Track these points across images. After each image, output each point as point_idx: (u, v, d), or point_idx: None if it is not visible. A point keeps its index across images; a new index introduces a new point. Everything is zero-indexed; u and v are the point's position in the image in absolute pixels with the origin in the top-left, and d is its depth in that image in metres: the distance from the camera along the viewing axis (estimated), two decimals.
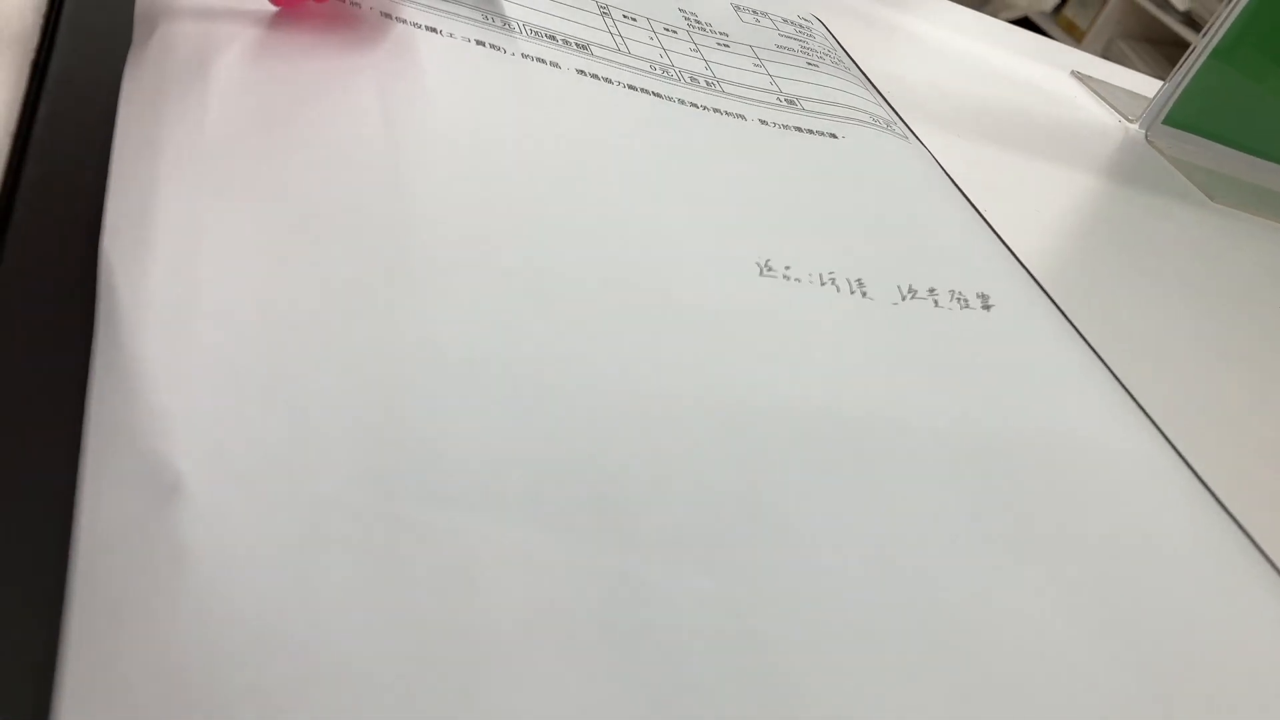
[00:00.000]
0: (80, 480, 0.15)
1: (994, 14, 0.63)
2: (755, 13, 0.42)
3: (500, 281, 0.22)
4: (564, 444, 0.19)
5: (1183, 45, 1.82)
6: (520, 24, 0.32)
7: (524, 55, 0.31)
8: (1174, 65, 0.52)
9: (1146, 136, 0.52)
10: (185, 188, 0.20)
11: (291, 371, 0.18)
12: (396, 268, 0.21)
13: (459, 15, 0.31)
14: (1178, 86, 0.52)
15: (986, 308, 0.29)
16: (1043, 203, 0.41)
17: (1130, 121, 0.53)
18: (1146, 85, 0.62)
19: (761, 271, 0.26)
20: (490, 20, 0.31)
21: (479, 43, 0.30)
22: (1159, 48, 1.97)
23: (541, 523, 0.17)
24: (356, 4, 0.29)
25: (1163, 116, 0.52)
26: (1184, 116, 0.52)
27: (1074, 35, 2.07)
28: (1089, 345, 0.30)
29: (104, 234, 0.18)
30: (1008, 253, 0.33)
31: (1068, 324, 0.31)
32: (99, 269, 0.18)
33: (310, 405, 0.17)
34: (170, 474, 0.15)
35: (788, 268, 0.27)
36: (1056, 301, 0.32)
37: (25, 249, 0.18)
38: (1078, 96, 0.55)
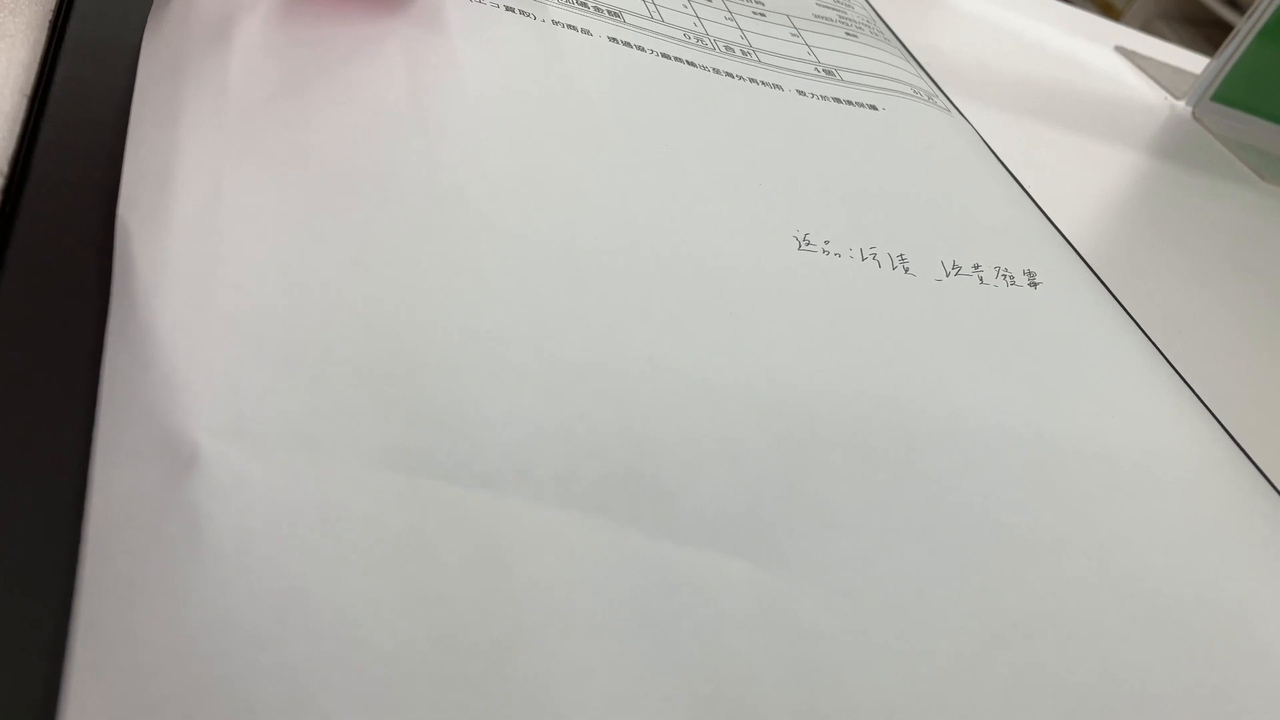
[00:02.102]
0: (93, 453, 0.14)
1: None
2: None
3: (529, 253, 0.21)
4: (597, 421, 0.18)
5: (1223, 25, 1.78)
6: None
7: (554, 22, 0.30)
8: (1214, 45, 0.51)
9: (1193, 113, 0.51)
10: (205, 153, 0.19)
11: (314, 342, 0.17)
12: (423, 238, 0.20)
13: None
14: (1226, 63, 0.50)
15: (1033, 285, 0.28)
16: (1087, 180, 0.39)
17: (1176, 98, 0.52)
18: (1192, 62, 0.60)
19: (800, 245, 0.25)
20: None
21: (509, 8, 0.29)
22: (1199, 28, 1.93)
23: (574, 503, 0.17)
24: None
25: (1211, 93, 0.50)
26: (1232, 93, 0.51)
27: (1111, 15, 2.03)
28: (1138, 326, 0.29)
29: (121, 200, 0.18)
30: (1054, 230, 0.32)
31: (1116, 304, 0.30)
32: (115, 235, 0.17)
33: (334, 377, 0.17)
34: (186, 447, 0.14)
35: (827, 242, 0.26)
36: (1104, 280, 0.31)
37: (40, 214, 0.18)
38: (1122, 72, 0.53)
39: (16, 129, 0.19)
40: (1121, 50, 0.56)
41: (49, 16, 0.22)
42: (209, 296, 0.17)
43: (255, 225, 0.19)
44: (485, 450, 0.17)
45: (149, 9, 0.23)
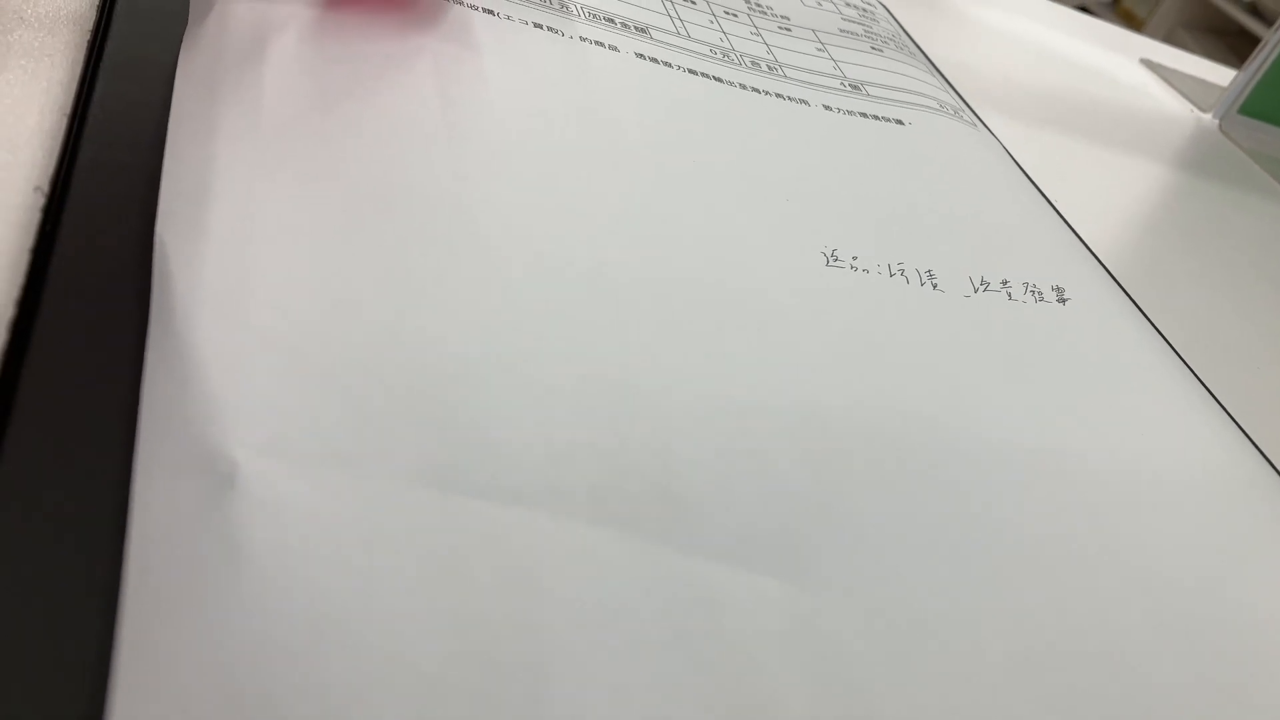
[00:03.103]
0: (133, 470, 0.14)
1: (1052, 0, 0.61)
2: None
3: (559, 268, 0.21)
4: (627, 439, 0.18)
5: (1247, 34, 1.77)
6: (578, 6, 0.31)
7: (582, 38, 0.30)
8: (1237, 55, 0.51)
9: (1220, 126, 0.51)
10: (240, 170, 0.20)
11: (348, 358, 0.17)
12: (453, 253, 0.20)
13: None
14: (1253, 75, 0.50)
15: (1062, 300, 0.27)
16: (1114, 193, 0.39)
17: (1202, 111, 0.52)
18: (1218, 74, 0.60)
19: (828, 262, 0.25)
20: (548, 2, 0.31)
21: (536, 25, 0.29)
22: (1222, 38, 1.92)
23: (606, 520, 0.17)
24: None
25: (1237, 106, 0.50)
26: (1259, 105, 0.51)
27: (1133, 25, 2.02)
28: (1166, 341, 0.29)
29: (159, 217, 0.18)
30: (1081, 245, 0.32)
31: (1144, 319, 0.29)
32: (153, 253, 0.17)
33: (368, 394, 0.17)
34: (225, 464, 0.15)
35: (855, 258, 0.26)
36: (1131, 296, 0.31)
37: (80, 231, 0.18)
38: (1148, 84, 0.53)
39: (57, 147, 0.19)
40: (1147, 63, 0.56)
41: (87, 36, 0.22)
42: (245, 313, 0.17)
43: (289, 242, 0.19)
44: (518, 467, 0.17)
45: (185, 27, 0.23)
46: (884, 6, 0.44)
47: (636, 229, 0.23)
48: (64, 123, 0.20)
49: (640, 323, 0.21)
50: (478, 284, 0.20)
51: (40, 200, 0.18)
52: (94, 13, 0.23)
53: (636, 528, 0.17)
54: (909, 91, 0.36)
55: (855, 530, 0.19)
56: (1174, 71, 0.56)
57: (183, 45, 0.22)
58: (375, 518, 0.15)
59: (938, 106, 0.36)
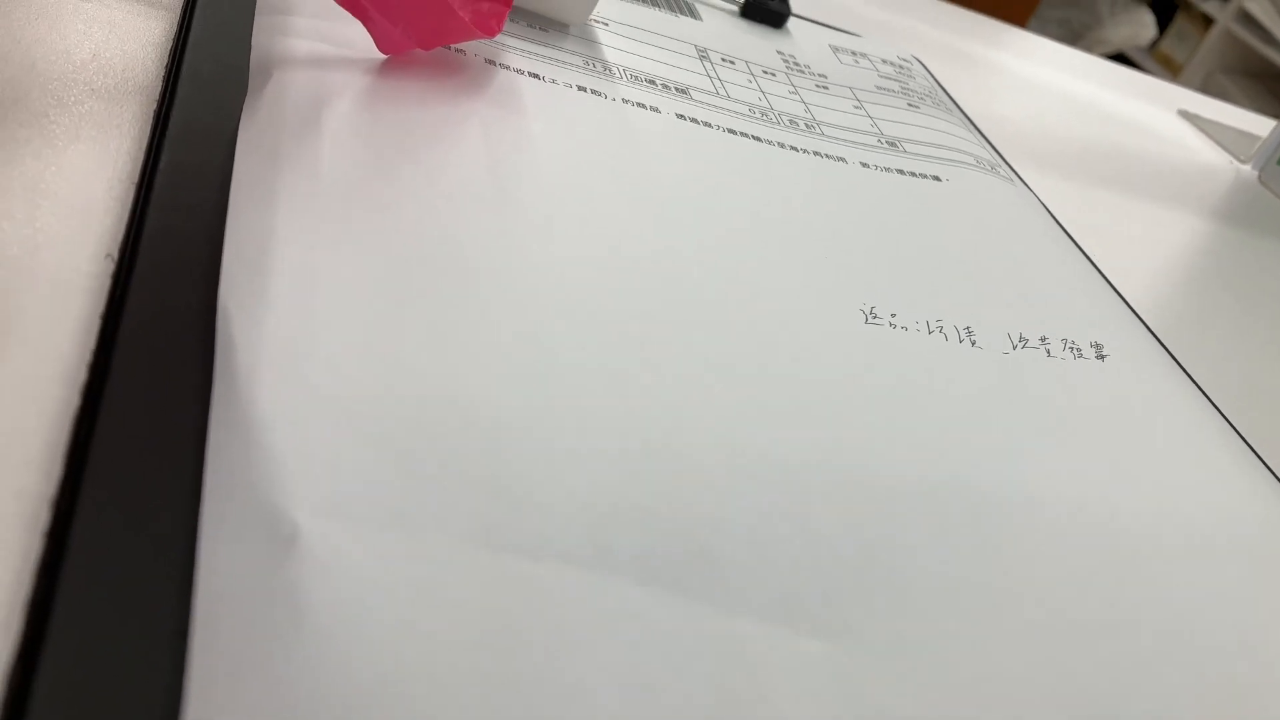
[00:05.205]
0: (199, 532, 0.15)
1: (1088, 49, 0.61)
2: (854, 54, 0.41)
3: (605, 330, 0.22)
4: (671, 500, 0.19)
5: None
6: (620, 69, 0.32)
7: (624, 100, 0.31)
8: (1277, 99, 0.51)
9: (1259, 177, 0.50)
10: (299, 236, 0.20)
11: (403, 421, 0.18)
12: (503, 316, 0.21)
13: (560, 61, 0.31)
14: None
15: (1101, 358, 0.28)
16: (1152, 247, 0.39)
17: (1242, 162, 0.52)
18: (1257, 124, 0.60)
19: (867, 319, 0.26)
20: (591, 65, 0.32)
21: (580, 88, 0.30)
22: (1261, 81, 1.91)
23: (651, 582, 0.17)
24: (461, 51, 0.29)
25: (1278, 157, 0.50)
26: None
27: (1170, 70, 2.02)
28: (1209, 400, 0.29)
29: (221, 284, 0.19)
30: (1120, 300, 0.32)
31: (1184, 375, 0.29)
32: (217, 318, 0.18)
33: (422, 455, 0.17)
34: (287, 525, 0.15)
35: (894, 315, 0.26)
36: (1171, 352, 0.31)
37: (147, 297, 0.19)
38: (1186, 136, 0.53)
39: (126, 215, 0.20)
40: (1184, 114, 0.56)
41: (153, 106, 0.23)
42: (305, 377, 0.18)
43: (346, 306, 0.19)
44: (566, 528, 0.17)
45: (245, 96, 0.24)
46: (920, 63, 0.44)
47: (679, 289, 0.24)
48: (132, 192, 0.21)
49: (682, 383, 0.21)
50: (525, 347, 0.20)
51: (110, 267, 0.19)
52: (159, 83, 0.24)
53: (680, 589, 0.17)
54: (946, 148, 0.36)
55: (896, 590, 0.19)
56: (1212, 123, 0.56)
57: (243, 113, 0.23)
58: (432, 578, 0.15)
59: (974, 162, 0.36)
